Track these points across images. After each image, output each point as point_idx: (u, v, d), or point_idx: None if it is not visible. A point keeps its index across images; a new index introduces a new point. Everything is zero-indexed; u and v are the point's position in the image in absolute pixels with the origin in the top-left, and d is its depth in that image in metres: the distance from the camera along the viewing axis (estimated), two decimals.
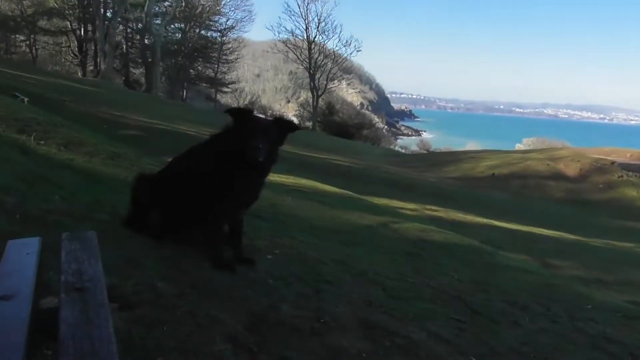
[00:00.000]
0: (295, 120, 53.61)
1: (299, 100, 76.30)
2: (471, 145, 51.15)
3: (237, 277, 3.24)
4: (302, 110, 56.22)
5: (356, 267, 4.32)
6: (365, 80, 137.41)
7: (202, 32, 49.31)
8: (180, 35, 47.99)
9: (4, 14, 36.35)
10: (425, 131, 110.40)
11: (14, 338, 1.13)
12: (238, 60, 53.62)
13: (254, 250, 3.93)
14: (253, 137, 3.02)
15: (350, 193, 10.46)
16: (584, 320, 4.39)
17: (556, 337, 3.75)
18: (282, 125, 3.28)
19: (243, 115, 3.21)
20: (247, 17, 48.58)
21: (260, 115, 3.26)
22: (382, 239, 6.07)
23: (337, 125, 47.51)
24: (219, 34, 50.23)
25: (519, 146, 48.57)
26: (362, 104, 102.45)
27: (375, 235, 6.23)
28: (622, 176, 25.98)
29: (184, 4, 44.25)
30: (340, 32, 54.85)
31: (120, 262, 2.89)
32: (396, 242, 6.10)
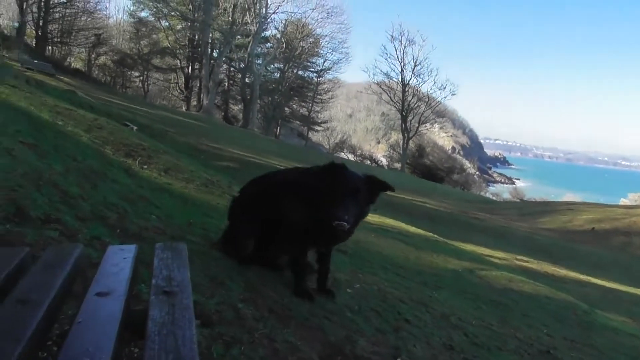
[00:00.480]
0: (385, 161, 53.68)
1: (390, 141, 76.33)
2: (569, 197, 48.21)
3: (315, 307, 3.25)
4: (391, 151, 56.23)
5: (438, 309, 4.17)
6: (459, 125, 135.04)
7: (300, 72, 51.37)
8: (278, 75, 50.30)
9: (123, 52, 40.26)
10: (519, 179, 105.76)
11: (107, 329, 1.22)
12: (332, 100, 55.06)
13: (335, 283, 3.93)
14: (341, 205, 2.94)
15: (436, 236, 10.20)
16: None
17: None
18: (374, 186, 3.19)
19: (334, 171, 3.14)
20: (343, 59, 50.02)
21: (353, 171, 3.13)
22: (467, 285, 5.83)
23: (427, 168, 46.89)
24: (315, 74, 52.05)
25: (623, 201, 45.02)
26: (453, 148, 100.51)
27: (460, 280, 5.99)
28: None
29: (284, 45, 46.46)
30: (436, 75, 54.67)
31: (206, 280, 3.01)
32: (482, 289, 5.83)
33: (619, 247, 21.53)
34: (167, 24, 42.79)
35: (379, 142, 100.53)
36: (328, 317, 3.14)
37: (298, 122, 54.51)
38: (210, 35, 41.50)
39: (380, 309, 3.62)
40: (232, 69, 48.23)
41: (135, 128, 10.97)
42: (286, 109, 51.61)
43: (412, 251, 6.91)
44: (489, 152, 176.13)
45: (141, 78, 43.74)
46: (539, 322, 5.07)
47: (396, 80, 50.86)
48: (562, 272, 11.47)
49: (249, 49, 42.39)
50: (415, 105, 50.79)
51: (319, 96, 52.56)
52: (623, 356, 4.67)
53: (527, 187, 73.63)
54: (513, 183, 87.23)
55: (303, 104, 52.99)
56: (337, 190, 3.01)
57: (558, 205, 32.91)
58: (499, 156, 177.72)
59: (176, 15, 41.98)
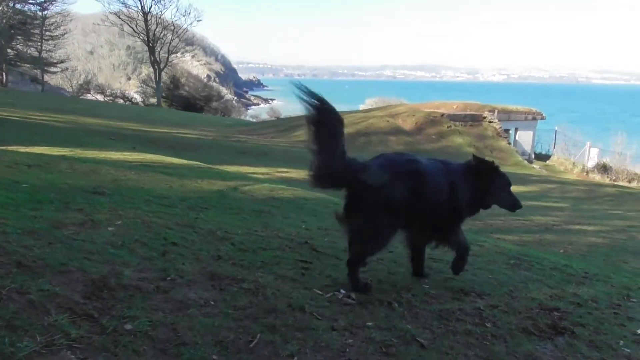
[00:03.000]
0: (139, 97, 50.64)
1: (140, 76, 71.95)
2: None
3: (73, 251, 3.08)
4: (144, 86, 53.12)
5: (205, 228, 4.34)
6: (210, 52, 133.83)
7: (18, 5, 43.79)
8: None
9: None
10: (274, 99, 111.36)
11: None
12: (65, 35, 48.68)
13: (92, 224, 3.76)
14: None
15: (200, 163, 10.31)
16: None
17: (390, 264, 4.18)
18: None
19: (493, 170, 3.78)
20: None
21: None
22: (232, 201, 6.12)
23: (184, 99, 45.86)
24: (38, 7, 45.00)
25: (362, 107, 51.26)
26: (209, 77, 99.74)
27: (225, 198, 6.26)
28: (450, 126, 28.91)
29: None
30: (178, 1, 52.40)
31: None
32: (246, 203, 6.21)
33: (361, 147, 24.81)
34: None
35: (129, 79, 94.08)
36: (88, 257, 3.03)
37: (29, 65, 47.21)
38: None
39: (145, 239, 3.61)
40: None
41: None
42: (10, 50, 43.99)
43: (176, 180, 6.90)
44: (244, 76, 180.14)
45: None
46: (298, 220, 5.66)
47: (135, 9, 47.27)
48: None
49: None
50: (162, 34, 48.29)
51: (48, 33, 45.95)
52: None
53: (282, 106, 78.03)
54: (269, 103, 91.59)
55: (30, 43, 45.80)
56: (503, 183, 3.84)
57: None
58: (254, 79, 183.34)
59: None
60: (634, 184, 26.80)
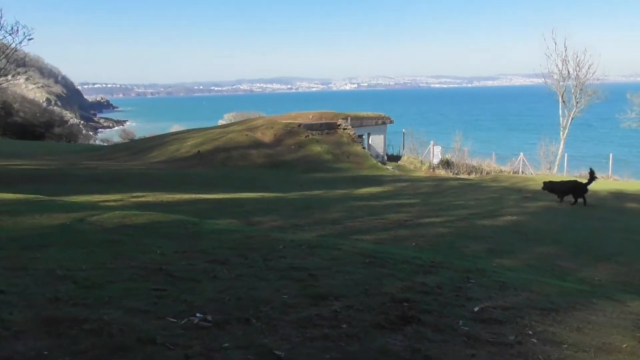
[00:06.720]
0: None
1: None
2: (177, 128, 51.17)
3: None
4: None
5: (40, 268, 3.92)
6: (49, 73, 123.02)
7: None
8: None
9: None
10: (127, 121, 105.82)
11: None
12: None
13: None
14: None
15: (40, 197, 9.35)
16: (276, 258, 4.95)
17: (250, 279, 4.13)
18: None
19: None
20: None
21: None
22: (76, 234, 5.63)
23: (20, 126, 41.52)
24: None
25: (221, 122, 50.74)
26: (49, 100, 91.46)
27: (69, 232, 5.73)
28: (308, 136, 29.79)
29: None
30: (2, 18, 47.24)
31: None
32: (94, 234, 5.74)
33: (222, 162, 24.52)
34: None
35: None
36: None
37: None
38: None
39: None
40: None
41: None
42: None
43: (6, 219, 6.16)
44: (90, 98, 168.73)
45: None
46: (153, 246, 5.37)
47: None
48: (177, 196, 12.34)
49: None
50: None
51: None
52: (227, 250, 5.43)
53: (137, 127, 74.53)
54: (122, 125, 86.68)
55: None
56: None
57: (165, 137, 34.61)
58: (102, 100, 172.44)
59: None
60: (472, 176, 29.90)
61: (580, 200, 14.56)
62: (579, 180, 15.83)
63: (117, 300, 3.34)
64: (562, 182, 15.55)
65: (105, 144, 43.22)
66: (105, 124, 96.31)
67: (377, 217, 10.54)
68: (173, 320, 3.05)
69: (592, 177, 14.83)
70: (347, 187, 18.48)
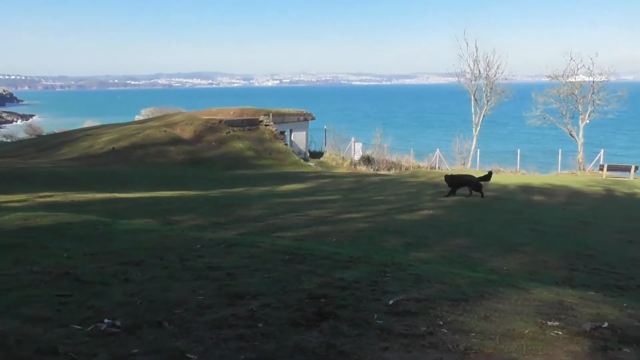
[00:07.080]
0: None
1: None
2: (90, 123, 48.56)
3: None
4: None
5: None
6: None
7: None
8: None
9: None
10: (34, 115, 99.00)
11: None
12: None
13: None
14: None
15: None
16: (193, 258, 4.82)
17: (165, 280, 3.98)
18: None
19: None
20: None
21: None
22: None
23: None
24: None
25: (138, 117, 48.73)
26: None
27: None
28: (229, 132, 29.32)
29: None
30: None
31: None
32: None
33: (139, 160, 23.57)
34: None
35: None
36: None
37: None
38: None
39: None
40: None
41: None
42: None
43: None
44: None
45: None
46: (59, 249, 5.07)
47: None
48: (89, 196, 11.71)
49: None
50: None
51: None
52: (141, 250, 5.20)
53: (45, 122, 69.95)
54: (27, 120, 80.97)
55: None
56: None
57: (76, 133, 32.73)
58: (4, 93, 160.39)
59: None
60: (392, 172, 30.79)
61: (476, 192, 15.17)
62: (477, 174, 16.70)
63: (15, 308, 3.11)
64: (459, 176, 16.30)
65: (8, 140, 40.15)
66: (8, 119, 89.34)
67: (298, 214, 10.56)
68: (78, 327, 2.88)
69: (488, 176, 15.96)
70: (269, 184, 18.39)
